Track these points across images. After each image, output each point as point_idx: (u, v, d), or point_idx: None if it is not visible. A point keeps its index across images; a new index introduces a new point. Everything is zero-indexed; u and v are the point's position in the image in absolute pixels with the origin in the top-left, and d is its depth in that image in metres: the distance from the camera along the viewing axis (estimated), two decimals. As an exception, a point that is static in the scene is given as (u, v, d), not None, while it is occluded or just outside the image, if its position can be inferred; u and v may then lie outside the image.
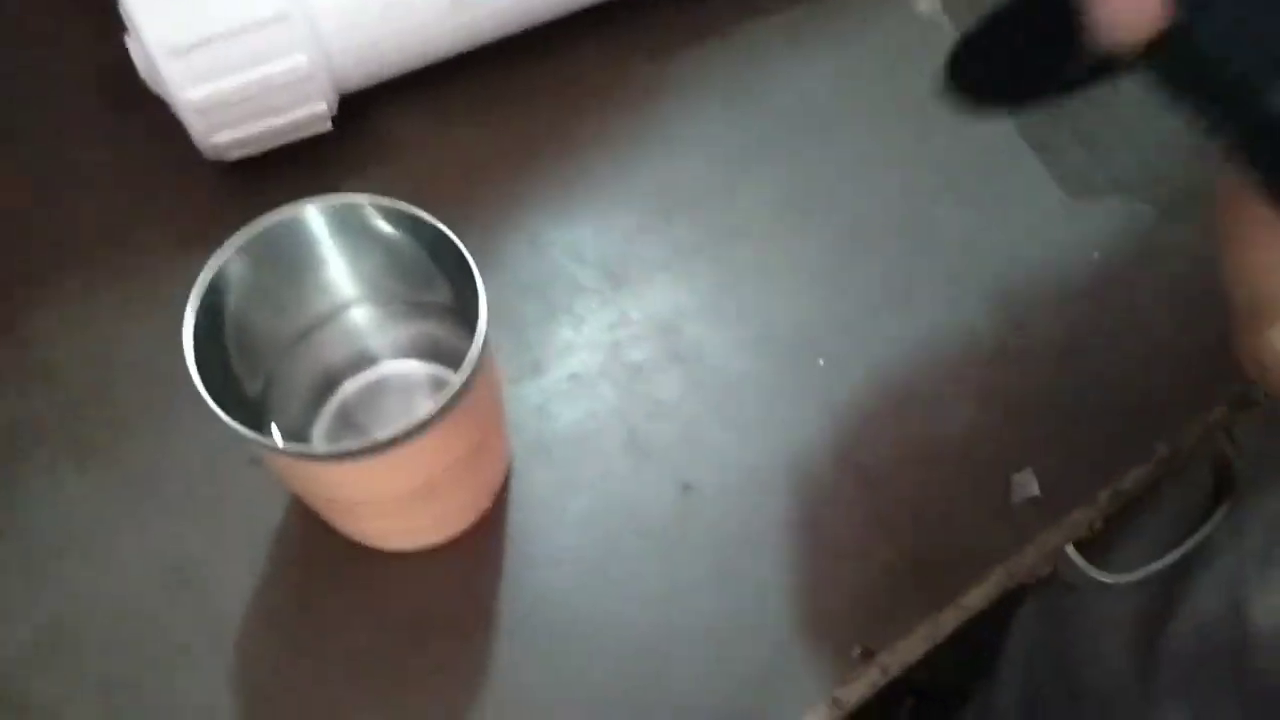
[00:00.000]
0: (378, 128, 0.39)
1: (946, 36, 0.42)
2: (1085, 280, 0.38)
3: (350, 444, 0.23)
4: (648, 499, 0.33)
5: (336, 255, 0.28)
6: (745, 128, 0.40)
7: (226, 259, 0.25)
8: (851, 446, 0.34)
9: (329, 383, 0.32)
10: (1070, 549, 0.42)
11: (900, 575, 0.33)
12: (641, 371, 0.35)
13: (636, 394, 0.35)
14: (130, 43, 0.33)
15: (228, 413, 0.23)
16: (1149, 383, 0.37)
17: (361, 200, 0.26)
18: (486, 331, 0.25)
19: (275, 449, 0.23)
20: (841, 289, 0.37)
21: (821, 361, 0.36)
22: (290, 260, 0.27)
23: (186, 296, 0.25)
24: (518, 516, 0.33)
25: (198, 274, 0.25)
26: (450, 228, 0.26)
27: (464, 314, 0.27)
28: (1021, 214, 0.39)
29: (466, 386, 0.24)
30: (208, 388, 0.23)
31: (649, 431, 0.34)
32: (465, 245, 0.26)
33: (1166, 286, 0.38)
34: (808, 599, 0.32)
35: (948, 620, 0.33)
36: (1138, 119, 0.41)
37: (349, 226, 0.27)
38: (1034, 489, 0.34)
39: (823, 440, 0.34)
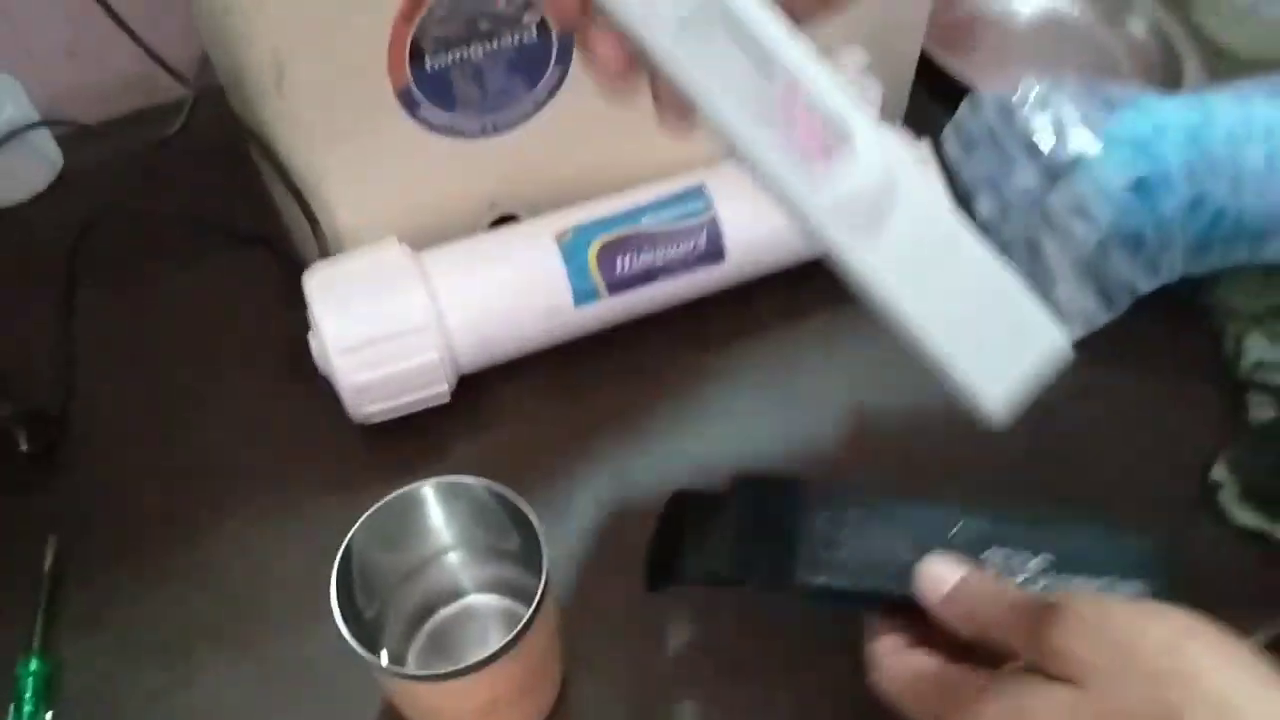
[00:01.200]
0: (484, 399, 0.50)
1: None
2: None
3: (431, 670, 0.31)
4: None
5: (439, 514, 0.37)
6: (772, 411, 0.49)
7: (362, 522, 0.35)
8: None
9: (427, 611, 0.40)
10: None
11: None
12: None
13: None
14: (312, 337, 0.45)
15: (351, 634, 0.32)
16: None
17: (462, 480, 0.35)
18: (547, 586, 0.33)
19: (387, 671, 0.32)
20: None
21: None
22: (406, 520, 0.36)
23: (329, 527, 0.34)
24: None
25: (339, 510, 0.35)
26: (529, 481, 0.35)
27: (531, 560, 0.35)
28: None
29: (526, 630, 0.32)
30: (341, 617, 0.32)
31: (678, 666, 0.42)
32: (538, 496, 0.34)
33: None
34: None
35: None
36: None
37: (450, 495, 0.36)
38: None
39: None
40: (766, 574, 0.36)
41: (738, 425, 0.49)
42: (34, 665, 0.40)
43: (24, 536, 0.45)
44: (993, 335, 0.28)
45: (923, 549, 0.34)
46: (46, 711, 0.40)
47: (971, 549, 0.35)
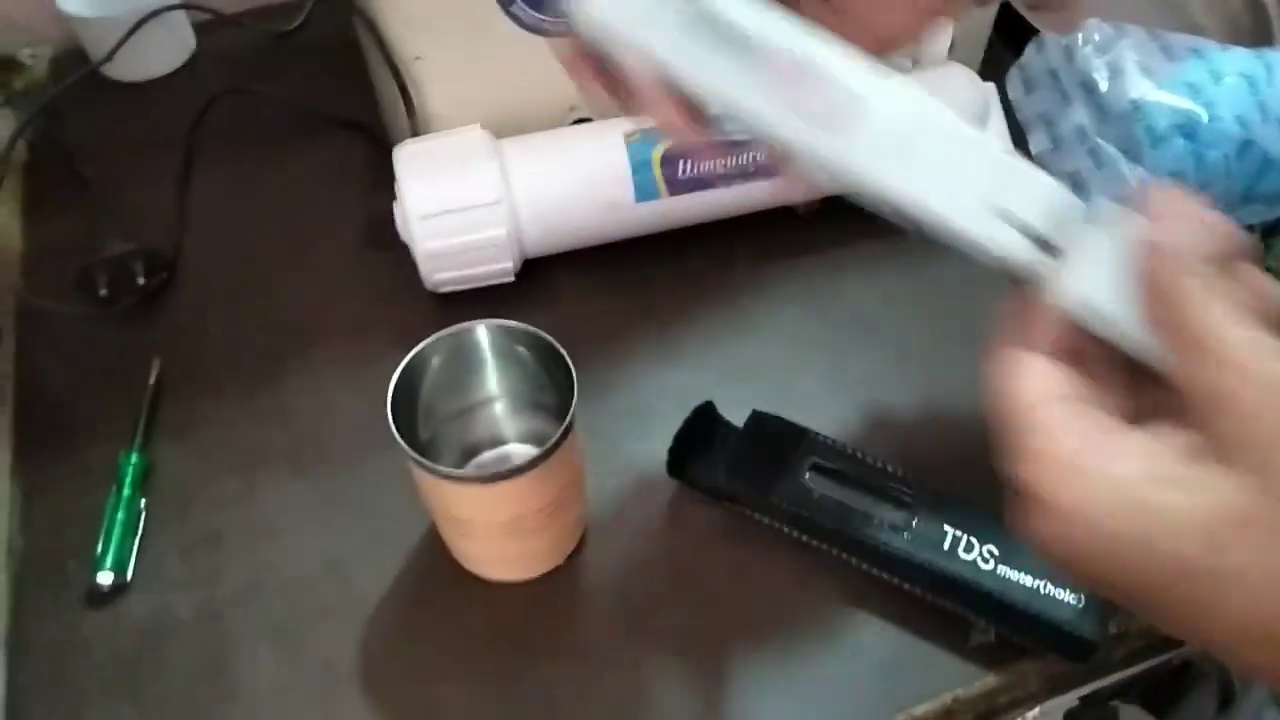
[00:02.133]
0: (545, 283, 0.54)
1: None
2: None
3: (469, 472, 0.36)
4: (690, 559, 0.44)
5: (491, 361, 0.42)
6: (811, 324, 0.52)
7: (422, 348, 0.39)
8: (841, 571, 0.43)
9: (471, 451, 0.45)
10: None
11: (865, 678, 0.41)
12: (696, 487, 0.46)
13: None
14: (396, 207, 0.50)
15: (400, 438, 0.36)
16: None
17: (512, 325, 0.40)
18: (572, 421, 0.37)
19: (426, 465, 0.36)
20: (866, 447, 0.47)
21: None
22: (461, 359, 0.41)
23: (399, 364, 0.39)
24: (584, 574, 0.44)
25: (405, 361, 0.40)
26: (576, 359, 0.39)
27: (567, 411, 0.39)
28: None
29: (551, 451, 0.36)
30: (396, 427, 0.37)
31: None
32: (584, 374, 0.38)
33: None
34: (788, 683, 0.41)
35: (899, 724, 0.40)
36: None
37: (502, 342, 0.41)
38: (990, 636, 0.42)
39: (825, 561, 0.44)
40: (750, 494, 0.43)
41: (777, 341, 0.52)
42: (134, 459, 0.46)
43: (135, 355, 0.51)
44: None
45: (880, 507, 0.42)
46: (141, 498, 0.46)
47: (926, 523, 0.42)
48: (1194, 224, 0.24)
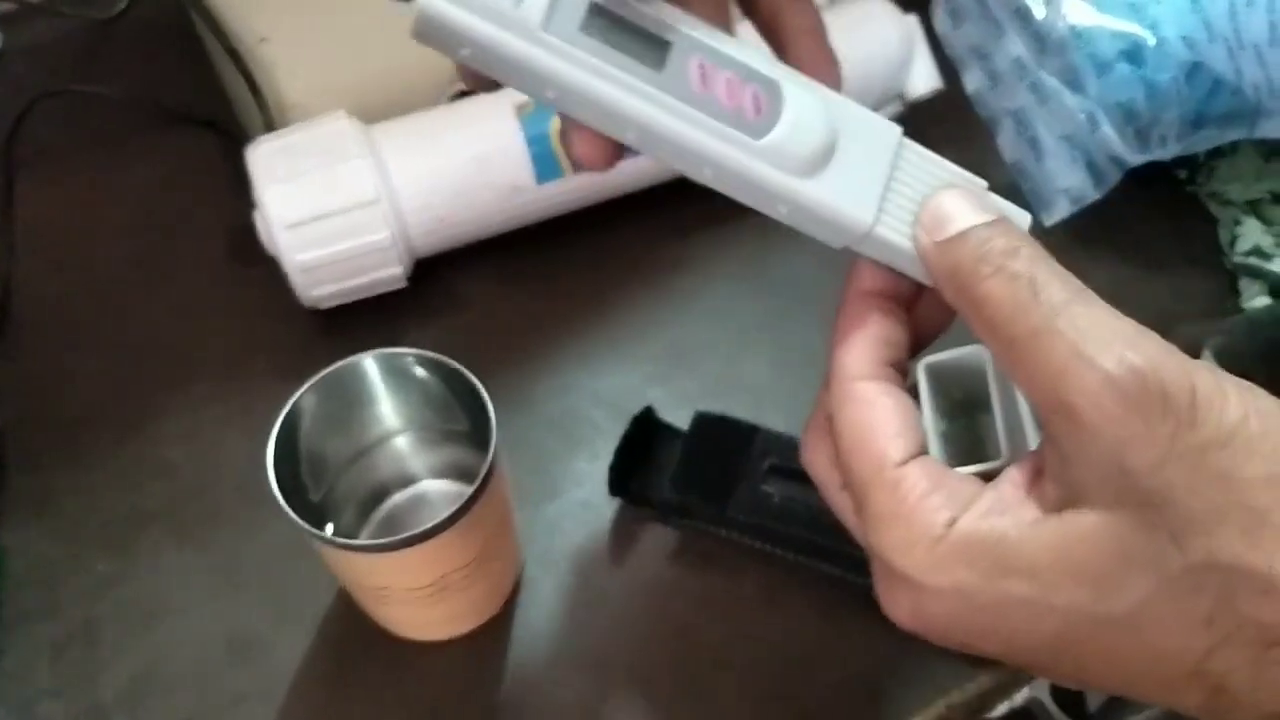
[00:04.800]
0: (443, 285, 0.48)
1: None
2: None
3: (377, 541, 0.30)
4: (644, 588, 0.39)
5: (385, 393, 0.35)
6: (748, 300, 0.47)
7: (302, 394, 0.33)
8: (813, 580, 0.39)
9: (378, 496, 0.39)
10: (1048, 700, 0.46)
11: (847, 696, 0.37)
12: (640, 501, 0.41)
13: (633, 520, 0.41)
14: (256, 216, 0.43)
15: (295, 513, 0.30)
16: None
17: (404, 351, 0.34)
18: (495, 461, 0.32)
19: (324, 539, 0.30)
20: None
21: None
22: (349, 397, 0.35)
23: (278, 416, 0.33)
24: (524, 618, 0.39)
25: (290, 397, 0.33)
26: (491, 371, 0.33)
27: (484, 440, 0.33)
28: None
29: (469, 504, 0.31)
30: (281, 492, 0.31)
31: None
32: (500, 386, 0.33)
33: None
34: (763, 711, 0.37)
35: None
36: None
37: (395, 371, 0.35)
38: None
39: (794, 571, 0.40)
40: (703, 507, 0.39)
41: (713, 324, 0.47)
42: (-25, 549, 0.39)
43: (-36, 420, 0.43)
44: None
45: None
46: (-10, 595, 0.39)
47: None
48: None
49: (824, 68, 0.27)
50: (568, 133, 0.25)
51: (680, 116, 0.23)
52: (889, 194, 0.24)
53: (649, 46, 0.24)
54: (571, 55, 0.23)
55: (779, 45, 0.28)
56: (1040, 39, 0.43)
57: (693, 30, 0.24)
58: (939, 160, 0.25)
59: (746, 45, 0.25)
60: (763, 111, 0.24)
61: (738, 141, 0.24)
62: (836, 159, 0.24)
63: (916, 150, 0.25)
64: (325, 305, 0.44)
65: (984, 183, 0.25)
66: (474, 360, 0.34)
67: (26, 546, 0.41)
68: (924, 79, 0.48)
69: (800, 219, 0.25)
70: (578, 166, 0.26)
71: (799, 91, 0.24)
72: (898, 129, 0.25)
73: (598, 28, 0.23)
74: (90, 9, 0.58)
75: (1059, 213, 0.44)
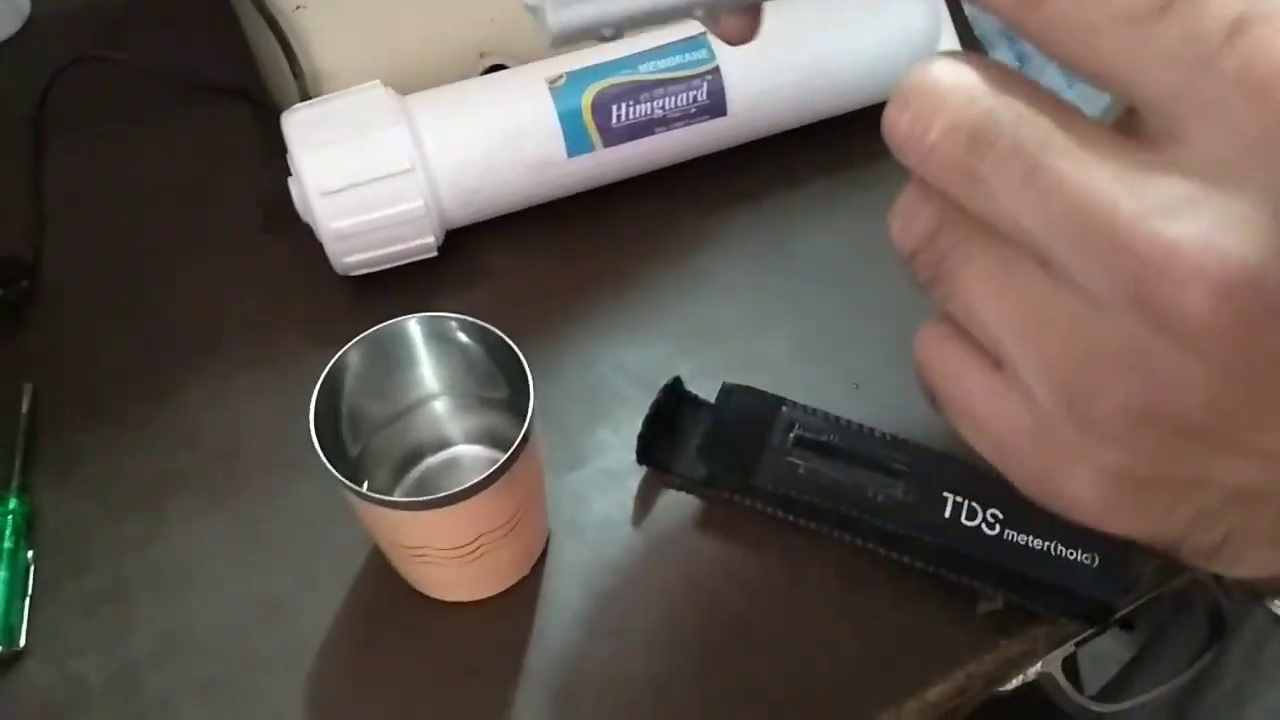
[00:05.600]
0: (472, 256, 0.48)
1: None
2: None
3: (415, 498, 0.30)
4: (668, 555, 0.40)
5: (426, 357, 0.36)
6: (771, 278, 0.48)
7: (345, 352, 0.33)
8: (836, 551, 0.40)
9: (412, 458, 0.39)
10: (1059, 674, 0.46)
11: (868, 666, 0.38)
12: (666, 472, 0.42)
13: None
14: (292, 183, 0.43)
15: (330, 465, 0.31)
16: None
17: (446, 316, 0.34)
18: (533, 424, 0.32)
19: (368, 496, 0.31)
20: (846, 412, 0.44)
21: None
22: (391, 359, 0.35)
23: (310, 382, 0.33)
24: (551, 584, 0.40)
25: (321, 364, 0.34)
26: (518, 341, 0.34)
27: (520, 409, 0.34)
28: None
29: (508, 465, 0.31)
30: (321, 448, 0.31)
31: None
32: (529, 356, 0.33)
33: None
34: (784, 679, 0.37)
35: (910, 713, 0.37)
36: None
37: (436, 336, 0.35)
38: (998, 603, 0.39)
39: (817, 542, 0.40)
40: (730, 478, 0.39)
41: (737, 299, 0.47)
42: (13, 504, 0.39)
43: (1, 382, 0.43)
44: None
45: (872, 478, 0.38)
46: (27, 551, 0.39)
47: (922, 491, 0.38)
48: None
49: None
50: (716, 22, 0.24)
51: None
52: None
53: None
54: None
55: None
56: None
57: None
58: None
59: None
60: None
61: None
62: None
63: None
64: (356, 272, 0.45)
65: None
66: (503, 328, 0.34)
67: (59, 507, 0.41)
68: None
69: None
70: (730, 42, 0.26)
71: None
72: None
73: None
74: (119, -23, 0.59)
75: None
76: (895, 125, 0.18)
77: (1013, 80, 0.17)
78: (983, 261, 0.18)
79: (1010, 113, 0.16)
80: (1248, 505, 0.17)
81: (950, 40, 0.49)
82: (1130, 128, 0.16)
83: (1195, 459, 0.17)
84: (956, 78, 0.17)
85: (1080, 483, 0.17)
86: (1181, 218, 0.15)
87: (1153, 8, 0.15)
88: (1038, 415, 0.18)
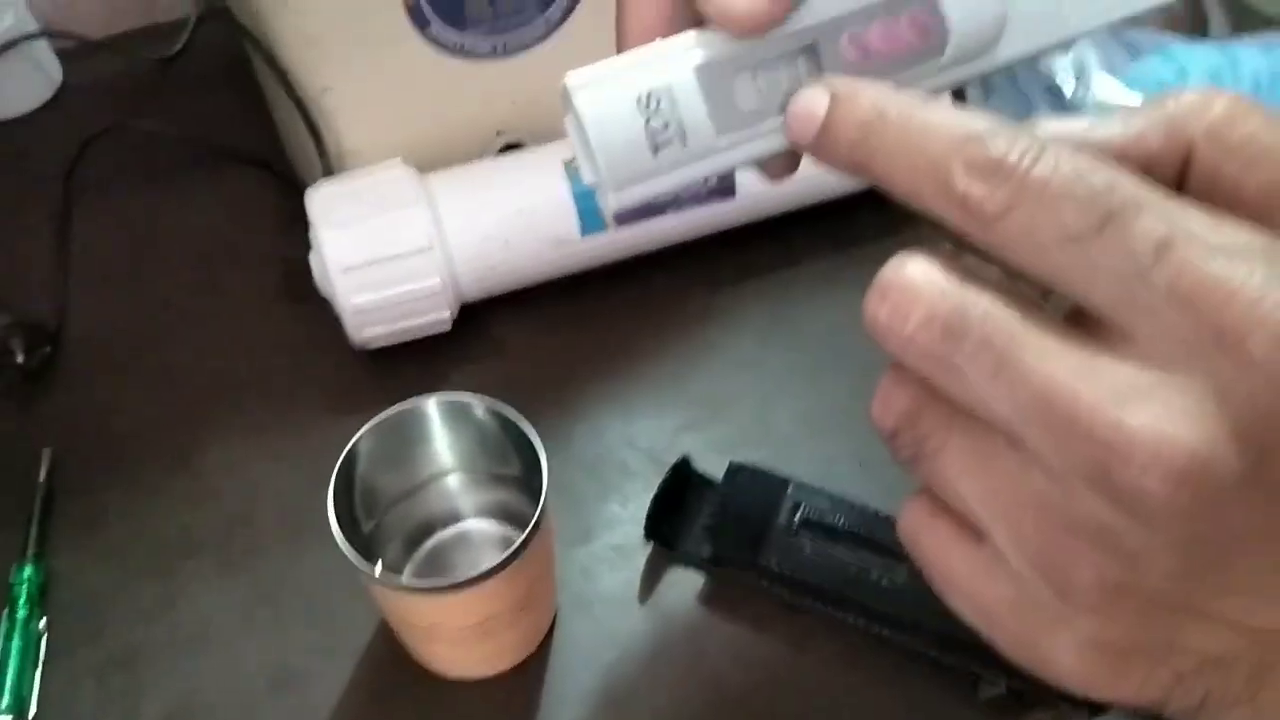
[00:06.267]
0: (486, 330, 0.49)
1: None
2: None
3: (429, 582, 0.31)
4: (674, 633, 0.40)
5: (440, 434, 0.37)
6: (778, 352, 0.49)
7: (363, 434, 0.34)
8: (841, 632, 0.40)
9: (424, 532, 0.40)
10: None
11: (873, 749, 0.38)
12: (673, 548, 0.43)
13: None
14: (312, 257, 0.45)
15: (345, 542, 0.31)
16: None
17: (465, 397, 0.35)
18: (545, 508, 0.33)
19: (376, 578, 0.32)
20: (852, 489, 0.44)
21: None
22: (407, 437, 0.36)
23: (326, 450, 0.34)
24: (558, 661, 0.40)
25: (336, 433, 0.35)
26: (528, 413, 0.35)
27: (532, 486, 0.35)
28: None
29: (524, 547, 0.32)
30: (338, 527, 0.32)
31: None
32: (540, 428, 0.34)
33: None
34: (791, 759, 0.38)
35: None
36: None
37: (452, 414, 0.36)
38: (1001, 688, 0.39)
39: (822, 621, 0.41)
40: (737, 558, 0.40)
41: (745, 374, 0.48)
42: (28, 571, 0.40)
43: (19, 446, 0.44)
44: None
45: (876, 560, 0.39)
46: (41, 618, 0.40)
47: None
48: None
49: None
50: (762, 167, 0.25)
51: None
52: None
53: (798, 59, 0.23)
54: (755, 131, 0.23)
55: None
56: (1068, 113, 0.45)
57: (817, 17, 0.23)
58: None
59: None
60: (926, 28, 0.23)
61: (928, 68, 0.23)
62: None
63: None
64: (373, 346, 0.46)
65: None
66: (510, 402, 0.35)
67: (74, 573, 0.42)
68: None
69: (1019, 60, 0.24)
70: (775, 181, 0.26)
71: None
72: None
73: (748, 87, 0.23)
74: (149, 47, 0.61)
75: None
76: (875, 316, 0.20)
77: (979, 275, 0.19)
78: (960, 442, 0.20)
79: (978, 308, 0.18)
80: (1220, 668, 0.19)
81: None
82: (1086, 320, 0.18)
83: (1168, 626, 0.18)
84: (928, 274, 0.19)
85: (1064, 652, 0.19)
86: (1137, 407, 0.17)
87: (1090, 229, 0.17)
88: (1019, 587, 0.19)
